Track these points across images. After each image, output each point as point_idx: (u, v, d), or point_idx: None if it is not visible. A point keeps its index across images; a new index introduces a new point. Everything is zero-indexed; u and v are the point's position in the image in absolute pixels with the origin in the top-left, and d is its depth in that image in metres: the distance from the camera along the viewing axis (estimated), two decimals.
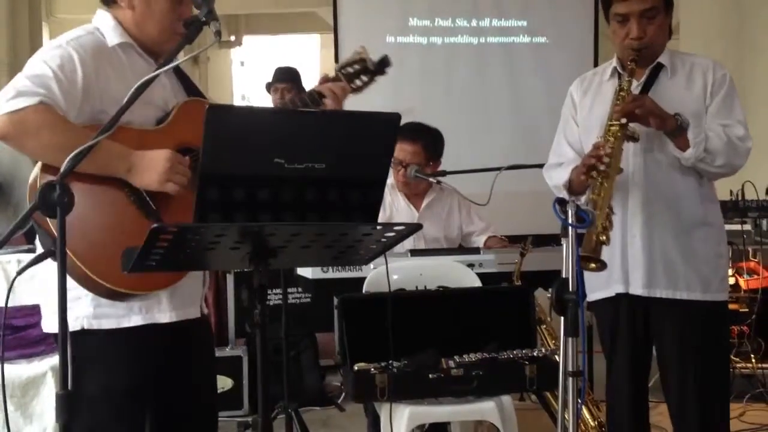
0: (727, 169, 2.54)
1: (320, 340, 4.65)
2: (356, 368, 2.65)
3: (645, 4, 2.51)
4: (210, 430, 2.29)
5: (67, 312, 1.64)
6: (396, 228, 1.76)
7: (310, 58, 10.17)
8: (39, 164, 1.93)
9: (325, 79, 2.26)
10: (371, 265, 3.01)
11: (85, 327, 1.97)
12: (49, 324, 2.04)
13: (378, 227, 1.76)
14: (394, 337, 2.49)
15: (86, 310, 1.97)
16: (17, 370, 3.24)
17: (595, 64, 5.30)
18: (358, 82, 2.26)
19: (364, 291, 3.05)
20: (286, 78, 4.79)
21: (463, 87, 5.79)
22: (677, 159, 2.51)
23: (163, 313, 2.03)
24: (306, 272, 3.29)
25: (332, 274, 3.24)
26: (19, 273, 1.73)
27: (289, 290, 3.86)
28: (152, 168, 1.93)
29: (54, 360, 3.24)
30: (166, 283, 1.98)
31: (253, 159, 1.68)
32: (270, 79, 4.90)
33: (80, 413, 2.01)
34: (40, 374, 3.20)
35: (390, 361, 2.63)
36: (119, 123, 1.85)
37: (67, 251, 1.72)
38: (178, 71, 2.19)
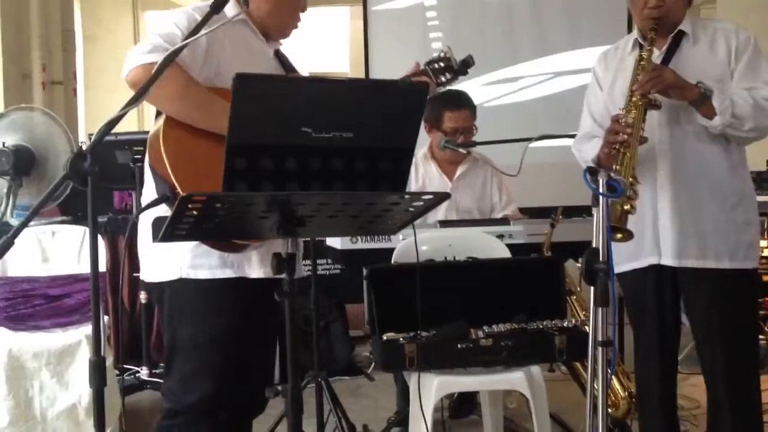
0: (757, 132, 2.49)
1: (349, 310, 4.69)
2: (385, 338, 2.66)
3: None
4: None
5: (98, 279, 1.67)
6: (424, 197, 1.75)
7: (340, 30, 10.10)
8: (162, 118, 2.03)
9: (416, 68, 2.33)
10: (400, 236, 3.02)
11: (182, 276, 2.12)
12: (147, 274, 2.19)
13: (406, 196, 1.76)
14: (423, 308, 2.50)
15: (185, 260, 2.11)
16: (53, 339, 3.30)
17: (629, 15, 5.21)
18: (442, 78, 2.33)
19: (393, 262, 3.05)
20: None
21: (495, 42, 5.76)
22: (704, 128, 2.47)
23: (253, 269, 2.16)
24: (335, 243, 3.31)
25: (361, 244, 3.24)
26: (139, 213, 1.99)
27: (319, 261, 3.87)
28: None
29: (89, 329, 3.30)
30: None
31: (281, 128, 1.68)
32: None
33: (174, 360, 2.16)
34: (75, 342, 3.25)
35: (419, 331, 2.64)
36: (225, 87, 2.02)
37: None
38: (277, 52, 2.35)
